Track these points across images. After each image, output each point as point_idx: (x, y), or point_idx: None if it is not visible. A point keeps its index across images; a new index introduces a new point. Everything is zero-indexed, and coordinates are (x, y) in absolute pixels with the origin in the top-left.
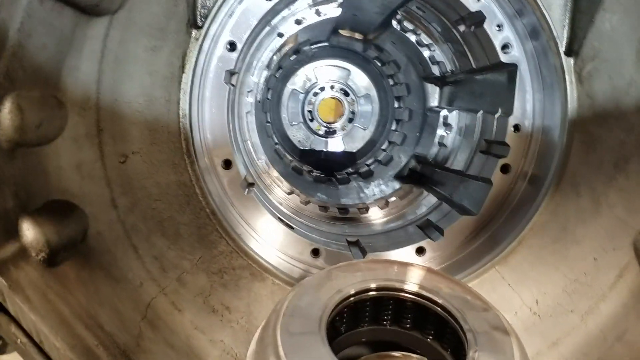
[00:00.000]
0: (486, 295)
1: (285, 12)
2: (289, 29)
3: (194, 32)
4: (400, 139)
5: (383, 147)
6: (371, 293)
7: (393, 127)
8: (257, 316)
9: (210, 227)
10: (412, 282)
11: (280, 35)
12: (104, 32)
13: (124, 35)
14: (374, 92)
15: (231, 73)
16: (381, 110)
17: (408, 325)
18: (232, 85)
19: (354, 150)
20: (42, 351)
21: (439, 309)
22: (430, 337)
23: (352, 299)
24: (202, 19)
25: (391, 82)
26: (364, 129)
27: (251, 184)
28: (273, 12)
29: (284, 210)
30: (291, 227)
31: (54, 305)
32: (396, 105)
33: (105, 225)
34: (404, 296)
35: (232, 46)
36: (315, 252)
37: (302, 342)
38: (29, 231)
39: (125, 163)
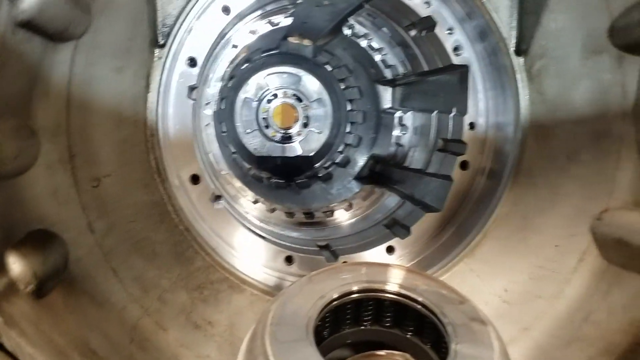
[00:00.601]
0: (457, 288)
1: (239, 24)
2: (243, 39)
3: (156, 51)
4: (356, 141)
5: (339, 149)
6: (354, 296)
7: (348, 130)
8: (240, 328)
9: (185, 244)
10: (392, 282)
11: (235, 46)
12: (71, 57)
13: (89, 58)
14: (325, 96)
15: (192, 88)
16: (334, 113)
17: (388, 324)
18: (194, 99)
19: (311, 154)
20: None
21: (419, 306)
22: (411, 333)
23: (335, 302)
24: (164, 37)
25: (342, 86)
26: (319, 133)
27: (218, 197)
28: (229, 24)
29: (252, 219)
30: (262, 237)
31: (49, 337)
32: (349, 108)
33: (84, 250)
34: (385, 296)
35: (192, 62)
36: (289, 260)
37: (292, 349)
38: (15, 264)
39: (99, 187)
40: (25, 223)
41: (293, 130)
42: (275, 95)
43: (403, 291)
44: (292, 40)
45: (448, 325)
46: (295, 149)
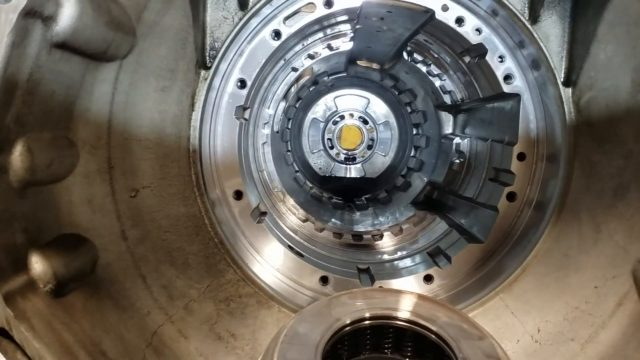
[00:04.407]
0: (489, 324)
1: (297, 47)
2: (303, 63)
3: (203, 72)
4: (418, 166)
5: (402, 173)
6: (366, 322)
7: (412, 154)
8: (262, 343)
9: (218, 257)
10: (408, 311)
11: (295, 69)
12: (114, 76)
13: (133, 77)
14: (392, 120)
15: (243, 108)
16: (400, 136)
17: (409, 354)
18: (245, 119)
19: (375, 177)
20: None
21: (434, 336)
22: None
23: (348, 328)
24: (211, 60)
25: (409, 110)
26: (384, 156)
27: (264, 213)
28: (284, 48)
29: (297, 238)
30: (301, 255)
31: (59, 334)
32: (414, 132)
33: (115, 256)
34: (399, 324)
35: (242, 83)
36: (324, 280)
37: None
38: (37, 264)
39: (136, 197)
40: (57, 227)
41: (357, 152)
42: (342, 117)
43: (420, 321)
44: (361, 63)
45: None
46: (359, 170)
